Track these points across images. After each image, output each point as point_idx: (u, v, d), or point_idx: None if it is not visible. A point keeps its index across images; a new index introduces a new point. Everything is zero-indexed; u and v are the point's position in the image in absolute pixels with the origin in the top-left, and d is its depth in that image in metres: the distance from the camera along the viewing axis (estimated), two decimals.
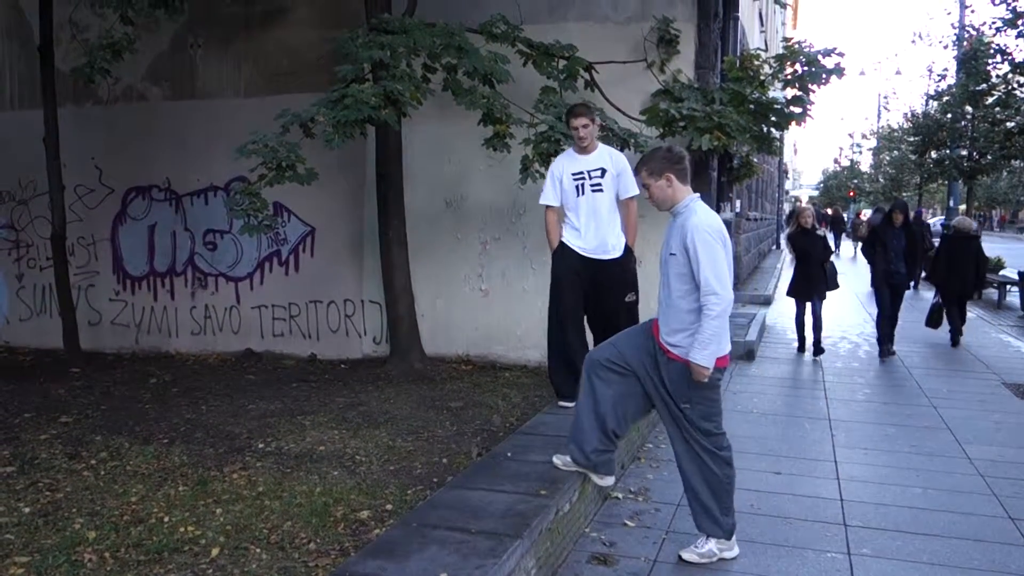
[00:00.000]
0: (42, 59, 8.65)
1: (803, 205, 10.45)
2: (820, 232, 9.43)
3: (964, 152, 19.20)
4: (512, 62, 7.22)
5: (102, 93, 9.75)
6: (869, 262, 9.69)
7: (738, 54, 9.05)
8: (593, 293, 5.43)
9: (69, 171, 9.12)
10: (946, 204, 22.83)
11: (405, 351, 8.10)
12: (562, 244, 5.46)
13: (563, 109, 7.21)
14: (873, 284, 9.57)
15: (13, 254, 10.46)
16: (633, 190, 5.32)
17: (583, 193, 5.35)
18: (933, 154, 21.52)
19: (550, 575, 3.60)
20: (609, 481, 4.28)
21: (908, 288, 9.64)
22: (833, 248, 9.45)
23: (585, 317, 5.61)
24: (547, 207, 5.54)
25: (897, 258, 9.20)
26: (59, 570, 3.58)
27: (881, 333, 9.35)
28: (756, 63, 8.09)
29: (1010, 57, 15.29)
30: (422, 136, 8.48)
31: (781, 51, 8.15)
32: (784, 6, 11.82)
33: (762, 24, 19.84)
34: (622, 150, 7.46)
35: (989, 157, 18.28)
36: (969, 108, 18.01)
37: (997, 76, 16.15)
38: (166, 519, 4.14)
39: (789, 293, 9.67)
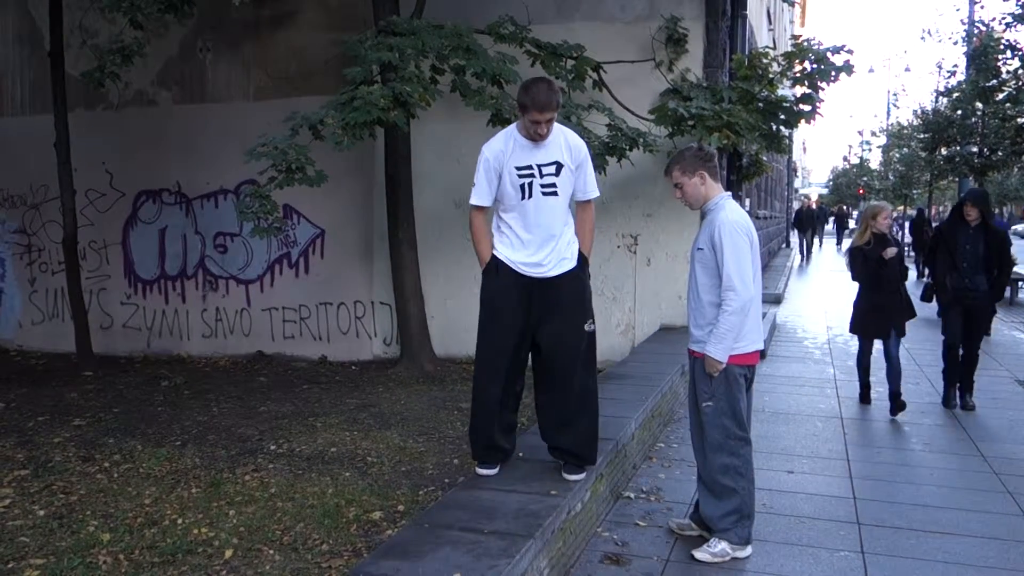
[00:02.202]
0: (53, 64, 8.71)
1: (878, 202, 7.23)
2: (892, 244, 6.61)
3: (974, 149, 19.08)
4: (520, 63, 7.23)
5: (112, 97, 9.81)
6: (931, 274, 7.08)
7: (747, 52, 9.02)
8: (542, 322, 4.01)
9: (80, 175, 9.19)
10: (957, 201, 22.70)
11: (415, 352, 8.12)
12: (496, 260, 3.99)
13: (572, 109, 7.21)
14: (939, 303, 6.96)
15: (25, 258, 10.53)
16: (594, 191, 4.10)
17: (530, 195, 3.91)
18: (943, 151, 21.38)
19: (562, 575, 3.60)
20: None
21: (993, 311, 6.93)
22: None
23: (529, 355, 4.17)
24: (473, 208, 4.01)
25: (972, 269, 6.58)
26: (74, 572, 3.59)
27: (948, 373, 6.91)
28: (765, 61, 8.07)
29: (1020, 52, 15.18)
30: (431, 137, 8.50)
31: (790, 49, 8.13)
32: (792, 4, 11.78)
33: (770, 22, 19.78)
34: (631, 150, 7.47)
35: (1000, 153, 18.16)
36: (979, 104, 17.89)
37: (1007, 72, 16.03)
38: (180, 521, 4.16)
39: (854, 329, 6.89)
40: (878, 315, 6.62)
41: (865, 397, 7.02)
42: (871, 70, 40.15)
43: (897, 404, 6.54)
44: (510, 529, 3.30)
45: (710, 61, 8.28)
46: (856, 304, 6.85)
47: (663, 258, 8.38)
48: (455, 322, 8.79)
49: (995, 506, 4.57)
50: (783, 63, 8.07)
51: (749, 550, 3.87)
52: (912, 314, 6.74)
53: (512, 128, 4.00)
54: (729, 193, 3.87)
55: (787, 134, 9.83)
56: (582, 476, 4.01)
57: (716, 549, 3.81)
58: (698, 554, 3.82)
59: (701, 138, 7.22)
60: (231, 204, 9.46)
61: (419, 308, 8.20)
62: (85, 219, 9.80)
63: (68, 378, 8.27)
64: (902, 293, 6.62)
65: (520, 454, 4.43)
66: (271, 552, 3.78)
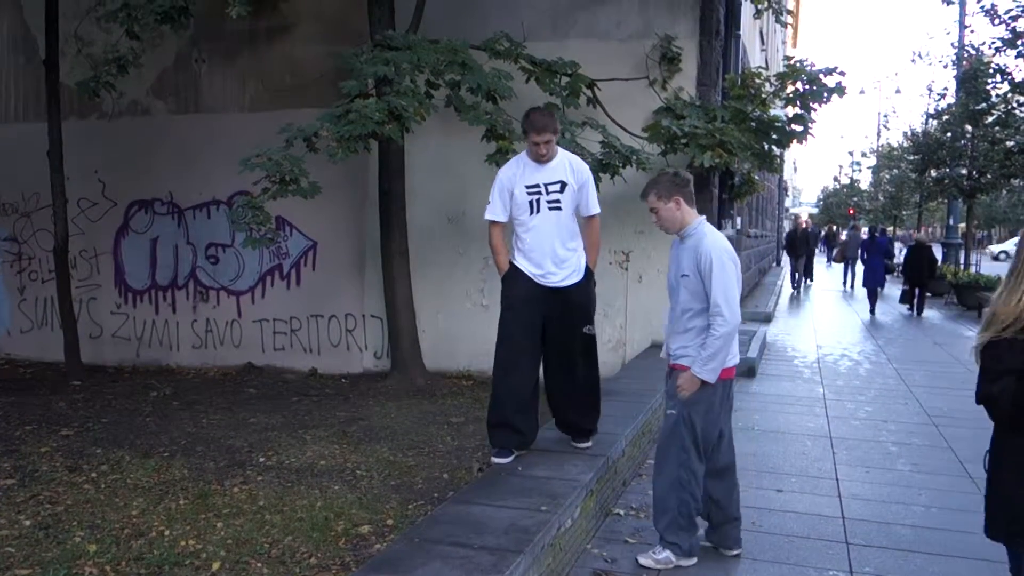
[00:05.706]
0: (47, 72, 8.70)
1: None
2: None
3: (964, 171, 19.25)
4: (515, 79, 7.27)
5: (106, 107, 9.80)
6: None
7: (740, 72, 9.10)
8: (549, 324, 4.60)
9: (72, 184, 9.16)
10: (946, 222, 22.85)
11: (406, 366, 8.10)
12: (514, 267, 4.61)
13: (566, 126, 7.25)
14: None
15: (15, 266, 10.48)
16: (595, 207, 4.69)
17: (538, 211, 4.50)
18: (933, 172, 21.56)
19: None
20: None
21: None
22: None
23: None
24: (491, 223, 4.66)
25: None
26: None
27: None
28: (757, 81, 8.14)
29: (1009, 77, 15.38)
30: (425, 152, 8.53)
31: (782, 69, 8.20)
32: (785, 24, 11.90)
33: (763, 42, 19.96)
34: (624, 167, 7.52)
35: (989, 176, 18.33)
36: (969, 127, 18.08)
37: (997, 95, 16.23)
38: (167, 533, 4.13)
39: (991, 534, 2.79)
40: None
41: None
42: (862, 91, 40.55)
43: None
44: (500, 544, 3.29)
45: (703, 80, 8.34)
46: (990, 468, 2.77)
47: (654, 275, 8.40)
48: (446, 336, 8.78)
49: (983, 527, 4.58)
50: (776, 83, 8.14)
51: (693, 560, 3.93)
52: None
53: (523, 154, 4.62)
54: (703, 217, 3.94)
55: (779, 153, 9.90)
56: (589, 444, 4.71)
57: (660, 556, 3.90)
58: (642, 559, 3.92)
59: (694, 156, 7.27)
60: (223, 215, 9.45)
61: (410, 321, 8.19)
62: (76, 228, 9.75)
63: (56, 387, 8.22)
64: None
65: (519, 468, 4.43)
66: (259, 565, 3.76)
